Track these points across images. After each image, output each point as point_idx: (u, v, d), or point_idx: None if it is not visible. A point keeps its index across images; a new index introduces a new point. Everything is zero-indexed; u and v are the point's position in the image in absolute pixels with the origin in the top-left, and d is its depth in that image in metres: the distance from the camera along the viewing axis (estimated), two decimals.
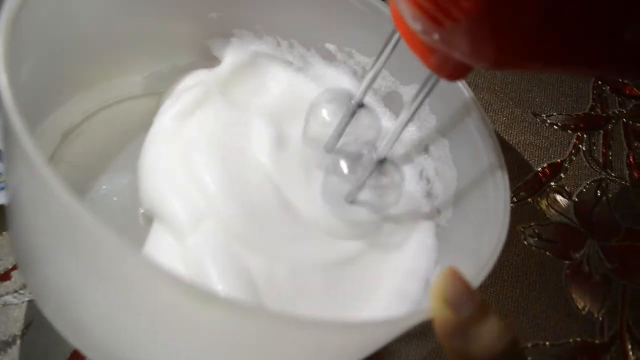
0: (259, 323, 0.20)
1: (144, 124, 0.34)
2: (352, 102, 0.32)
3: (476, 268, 0.25)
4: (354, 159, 0.32)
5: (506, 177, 0.29)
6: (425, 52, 0.23)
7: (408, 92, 0.37)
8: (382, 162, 0.30)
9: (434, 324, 0.22)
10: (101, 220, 0.18)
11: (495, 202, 0.28)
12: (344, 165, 0.32)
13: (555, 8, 0.17)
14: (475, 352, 0.20)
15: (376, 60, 0.29)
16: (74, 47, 0.32)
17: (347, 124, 0.32)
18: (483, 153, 0.30)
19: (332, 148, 0.34)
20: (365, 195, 0.32)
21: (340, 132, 0.33)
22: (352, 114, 0.32)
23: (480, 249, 0.27)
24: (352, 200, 0.32)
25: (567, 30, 0.18)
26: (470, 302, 0.21)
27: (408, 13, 0.21)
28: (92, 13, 0.31)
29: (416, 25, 0.21)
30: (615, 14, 0.18)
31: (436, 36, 0.20)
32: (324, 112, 0.34)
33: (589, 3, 0.17)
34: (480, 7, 0.17)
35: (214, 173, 0.31)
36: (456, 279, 0.22)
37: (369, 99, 0.37)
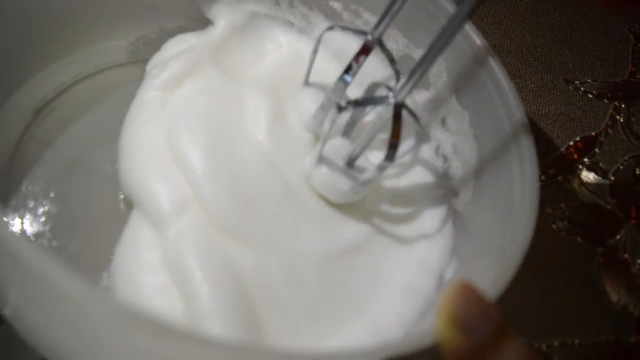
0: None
1: (126, 96, 0.33)
2: (368, 37, 0.29)
3: (498, 268, 0.23)
4: (364, 102, 0.30)
5: (534, 155, 0.27)
6: None
7: None
8: (399, 106, 0.27)
9: (442, 351, 0.19)
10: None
11: (521, 184, 0.26)
12: (349, 121, 0.31)
13: None
14: None
15: None
16: (42, 8, 0.30)
17: (359, 64, 0.30)
18: (507, 127, 0.28)
19: (338, 95, 0.31)
20: (369, 158, 0.30)
21: (349, 73, 0.30)
22: (366, 51, 0.30)
23: (503, 241, 0.25)
24: (353, 162, 0.30)
25: None
26: (486, 323, 0.18)
27: None
28: None
29: None
30: None
31: None
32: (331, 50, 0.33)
33: None
34: None
35: (202, 153, 0.29)
36: (468, 294, 0.19)
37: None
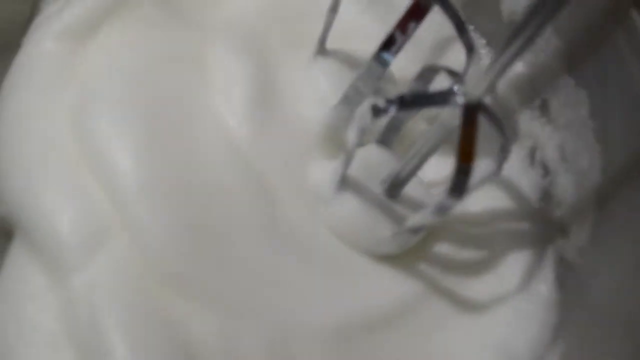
0: None
1: (5, 48, 0.35)
2: None
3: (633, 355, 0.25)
4: (416, 102, 0.30)
5: None
6: None
7: None
8: (473, 110, 0.27)
9: None
10: None
11: None
12: (393, 119, 0.32)
13: None
14: None
15: None
16: None
17: (406, 34, 0.31)
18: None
19: (371, 84, 0.32)
20: (423, 185, 0.32)
21: (390, 50, 0.31)
22: (420, 13, 0.31)
23: None
24: (397, 190, 0.31)
25: None
26: None
27: None
28: None
29: None
30: None
31: None
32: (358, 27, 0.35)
33: None
34: None
35: (135, 150, 0.31)
36: None
37: None
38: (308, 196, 0.33)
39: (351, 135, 0.30)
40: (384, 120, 0.32)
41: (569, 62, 0.34)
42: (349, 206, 0.31)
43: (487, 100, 0.28)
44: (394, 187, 0.31)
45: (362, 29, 0.36)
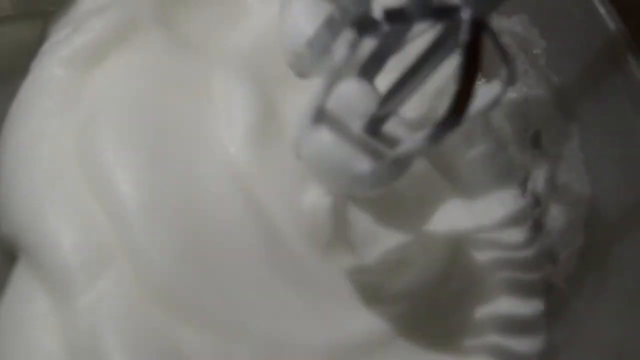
0: None
1: (13, 72, 0.35)
2: None
3: None
4: (410, 16, 0.27)
5: None
6: None
7: None
8: (479, 27, 0.25)
9: None
10: None
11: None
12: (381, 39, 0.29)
13: None
14: None
15: None
16: None
17: None
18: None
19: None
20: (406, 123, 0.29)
21: None
22: None
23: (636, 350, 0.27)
24: (378, 125, 0.29)
25: None
26: None
27: None
28: None
29: None
30: None
31: None
32: None
33: None
34: None
35: (138, 176, 0.31)
36: None
37: None
38: (306, 221, 0.33)
39: (336, 58, 0.27)
40: (367, 46, 0.29)
41: (562, 97, 0.34)
42: (325, 140, 0.29)
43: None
44: (375, 122, 0.29)
45: None
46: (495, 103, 0.28)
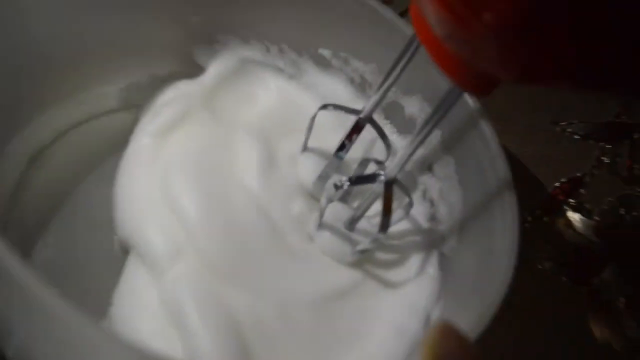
0: None
1: (120, 143, 0.35)
2: (360, 116, 0.33)
3: (480, 309, 0.25)
4: (358, 181, 0.32)
5: (515, 201, 0.29)
6: (449, 61, 0.23)
7: (411, 103, 0.38)
8: (390, 183, 0.30)
9: None
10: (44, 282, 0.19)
11: (502, 229, 0.29)
12: (347, 189, 0.33)
13: (589, 18, 0.17)
14: None
15: (390, 71, 0.30)
16: (31, 55, 0.32)
17: (351, 142, 0.33)
18: (490, 172, 0.31)
19: (333, 169, 0.35)
20: (368, 221, 0.33)
21: (343, 151, 0.34)
22: (358, 130, 0.33)
23: (486, 284, 0.27)
24: (352, 226, 0.33)
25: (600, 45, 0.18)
26: None
27: (432, 14, 0.21)
28: (53, 15, 0.32)
29: (441, 29, 0.21)
30: None
31: (462, 42, 0.21)
32: (326, 128, 0.35)
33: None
34: (514, 9, 0.17)
35: (196, 201, 0.32)
36: (449, 336, 0.22)
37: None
38: (297, 223, 0.34)
39: (322, 203, 0.32)
40: (341, 191, 0.33)
41: (446, 144, 0.35)
42: (325, 238, 0.33)
43: (399, 175, 0.30)
44: (351, 224, 0.33)
45: (331, 131, 0.37)
46: (403, 218, 0.33)
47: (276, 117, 0.39)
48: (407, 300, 0.33)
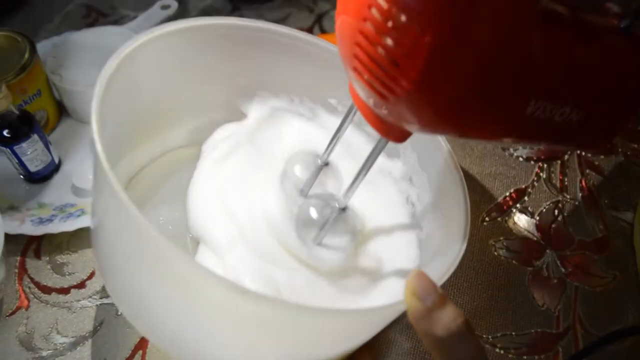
0: (280, 311, 0.24)
1: (190, 168, 0.38)
2: (319, 161, 0.34)
3: (442, 270, 0.29)
4: (322, 207, 0.33)
5: (467, 203, 0.32)
6: (377, 121, 0.25)
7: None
8: (343, 210, 0.31)
9: (408, 312, 0.25)
10: (163, 236, 0.22)
11: (458, 222, 0.32)
12: (312, 212, 0.33)
13: (483, 90, 0.20)
14: (437, 331, 0.24)
15: (339, 128, 0.32)
16: (140, 109, 0.35)
17: (314, 178, 0.34)
18: (450, 183, 0.34)
19: (305, 195, 0.35)
20: (330, 237, 0.33)
21: (309, 185, 0.35)
22: (319, 170, 0.34)
23: (448, 257, 0.30)
24: (318, 242, 0.33)
25: (495, 106, 0.21)
26: (433, 294, 0.24)
27: (362, 92, 0.23)
28: (152, 85, 0.35)
29: (369, 101, 0.23)
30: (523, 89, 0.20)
31: (384, 110, 0.22)
32: (297, 169, 0.36)
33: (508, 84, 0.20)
34: (416, 85, 0.19)
35: (243, 208, 0.34)
36: (422, 278, 0.25)
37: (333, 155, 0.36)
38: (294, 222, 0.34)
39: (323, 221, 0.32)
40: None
41: (419, 160, 0.37)
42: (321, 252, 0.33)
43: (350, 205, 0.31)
44: (318, 238, 0.33)
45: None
46: (351, 243, 0.33)
47: (298, 148, 0.40)
48: (396, 270, 0.35)
